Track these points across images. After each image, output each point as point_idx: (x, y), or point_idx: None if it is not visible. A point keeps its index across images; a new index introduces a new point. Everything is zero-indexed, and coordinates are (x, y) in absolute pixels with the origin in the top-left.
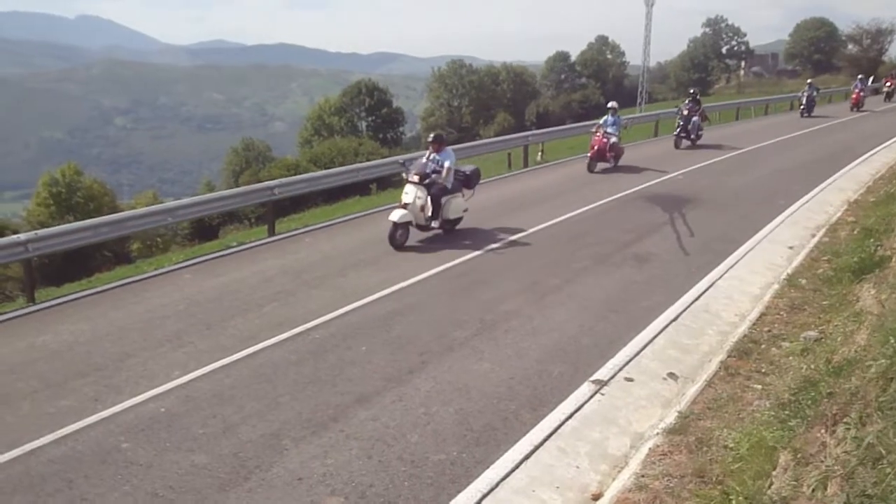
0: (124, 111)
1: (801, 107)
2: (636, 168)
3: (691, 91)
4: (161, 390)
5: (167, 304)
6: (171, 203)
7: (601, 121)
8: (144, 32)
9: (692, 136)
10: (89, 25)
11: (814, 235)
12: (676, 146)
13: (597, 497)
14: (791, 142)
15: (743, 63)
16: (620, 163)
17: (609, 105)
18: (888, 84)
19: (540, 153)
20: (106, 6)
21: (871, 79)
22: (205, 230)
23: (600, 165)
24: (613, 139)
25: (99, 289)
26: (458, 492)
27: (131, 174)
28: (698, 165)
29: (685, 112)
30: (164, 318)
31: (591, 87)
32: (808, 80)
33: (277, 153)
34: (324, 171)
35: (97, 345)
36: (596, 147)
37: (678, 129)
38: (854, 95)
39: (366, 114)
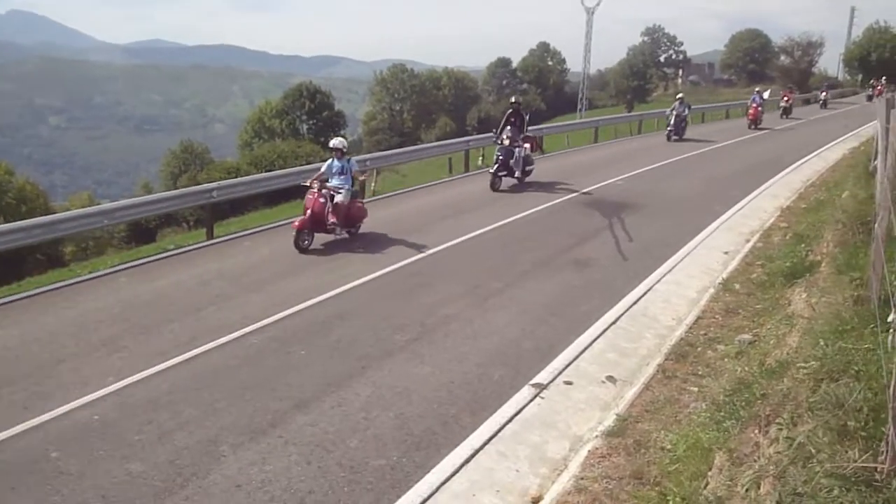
0: (58, 110)
1: (669, 128)
2: (576, 174)
3: (679, 95)
4: (94, 397)
5: (102, 309)
6: (107, 205)
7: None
8: (79, 30)
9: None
10: (21, 21)
11: (748, 241)
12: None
13: (537, 500)
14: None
15: (680, 71)
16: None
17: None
18: (785, 99)
19: (481, 158)
20: (39, 1)
21: (767, 91)
22: (142, 233)
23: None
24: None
25: (30, 293)
26: (398, 497)
27: (65, 175)
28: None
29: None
30: (98, 322)
31: (532, 93)
32: (678, 95)
33: (217, 155)
34: (264, 174)
35: (27, 350)
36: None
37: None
38: (751, 111)
39: (307, 117)
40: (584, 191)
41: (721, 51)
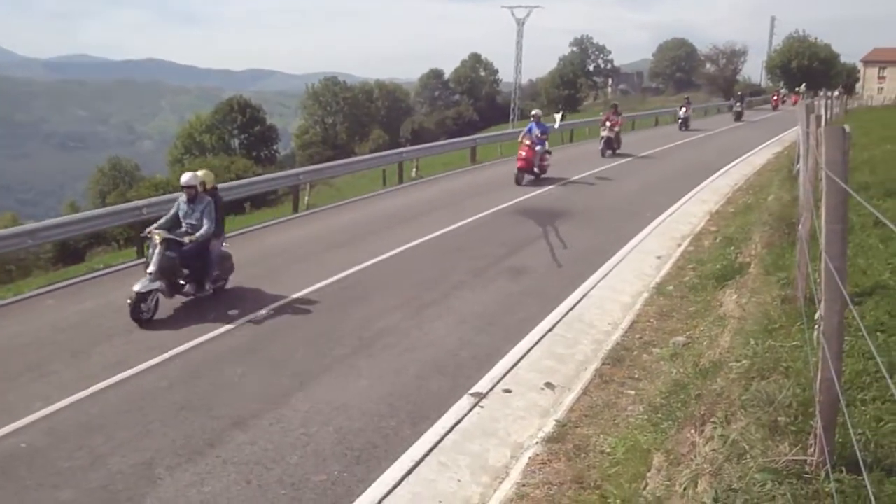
0: None
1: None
2: (509, 183)
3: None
4: (21, 424)
5: (27, 332)
6: (31, 225)
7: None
8: None
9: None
10: None
11: (680, 245)
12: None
13: None
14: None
15: (610, 81)
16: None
17: (532, 113)
18: (683, 109)
19: (415, 169)
20: None
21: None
22: (70, 253)
23: (527, 177)
24: (538, 148)
25: None
26: None
27: None
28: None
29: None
30: (24, 346)
31: (464, 103)
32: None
33: (146, 172)
34: None
35: None
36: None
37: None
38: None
39: (238, 131)
40: (517, 200)
41: (649, 60)
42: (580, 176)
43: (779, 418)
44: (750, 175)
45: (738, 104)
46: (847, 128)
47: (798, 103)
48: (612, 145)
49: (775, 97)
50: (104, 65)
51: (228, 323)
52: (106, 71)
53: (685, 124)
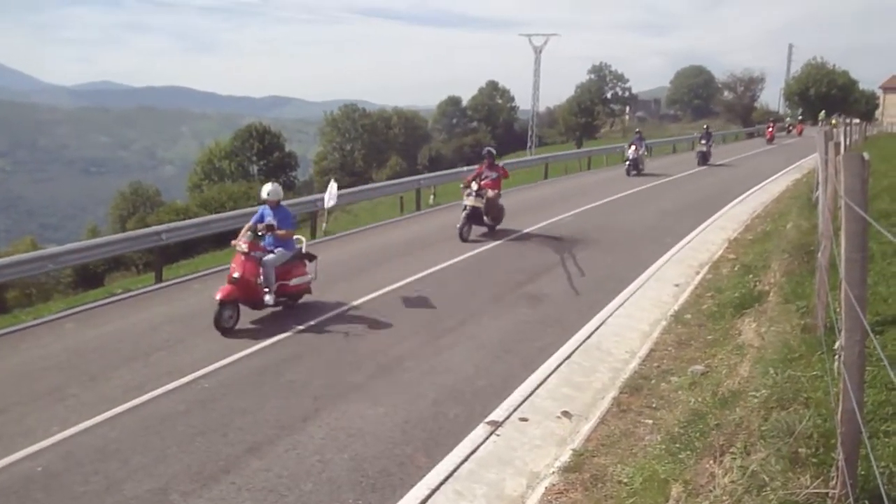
0: (0, 153)
1: (628, 163)
2: (528, 210)
3: (705, 126)
4: (38, 447)
5: (47, 356)
6: (51, 249)
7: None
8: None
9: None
10: None
11: (698, 273)
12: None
13: None
14: None
15: (627, 108)
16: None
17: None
18: (703, 141)
19: (432, 196)
20: None
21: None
22: (90, 277)
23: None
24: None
25: None
26: None
27: (9, 220)
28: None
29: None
30: (43, 369)
31: (482, 131)
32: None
33: (167, 197)
34: (213, 216)
35: None
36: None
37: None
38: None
39: (257, 158)
40: (536, 227)
41: (666, 87)
42: (598, 203)
43: (799, 450)
44: (768, 202)
45: (704, 142)
46: (866, 155)
47: (802, 133)
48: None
49: (771, 128)
50: (126, 91)
51: (244, 348)
52: (128, 97)
53: (704, 159)
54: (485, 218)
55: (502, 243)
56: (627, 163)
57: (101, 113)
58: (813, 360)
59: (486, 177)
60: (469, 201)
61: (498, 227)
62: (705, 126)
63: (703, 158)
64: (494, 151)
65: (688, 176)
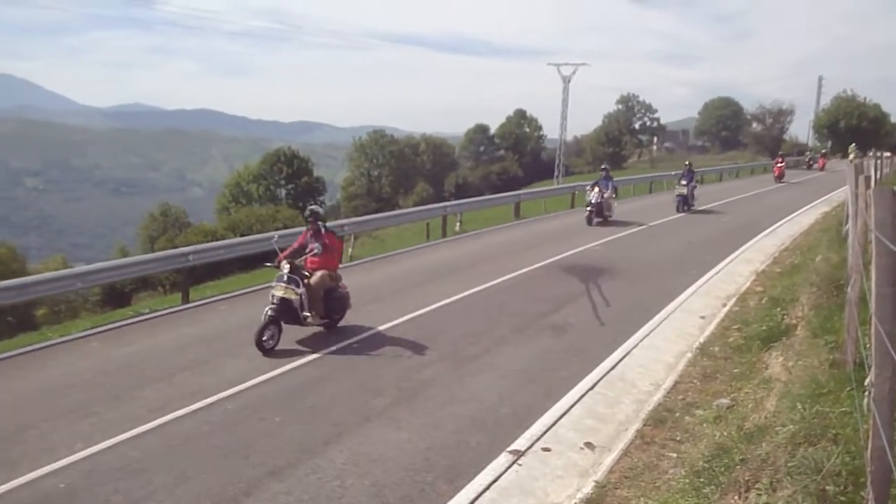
0: (34, 172)
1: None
2: (554, 238)
3: (686, 163)
4: (61, 464)
5: (72, 373)
6: (81, 268)
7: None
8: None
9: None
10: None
11: (724, 305)
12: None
13: None
14: None
15: (655, 138)
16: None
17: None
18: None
19: (458, 223)
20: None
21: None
22: (117, 297)
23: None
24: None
25: None
26: None
27: (41, 238)
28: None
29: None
30: (68, 387)
31: (509, 158)
32: (686, 163)
33: (195, 219)
34: (240, 238)
35: None
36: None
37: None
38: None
39: (285, 182)
40: (561, 256)
41: (695, 118)
42: (622, 234)
43: (827, 487)
44: (797, 235)
45: (684, 182)
46: None
47: (825, 167)
48: (687, 202)
49: (780, 163)
50: (157, 114)
51: (269, 370)
52: (159, 119)
53: (684, 203)
54: (306, 315)
55: (525, 272)
56: (589, 209)
57: (133, 134)
58: (842, 396)
59: (311, 250)
60: (278, 291)
61: (524, 256)
62: (687, 163)
63: (683, 203)
64: (321, 211)
65: (661, 225)
